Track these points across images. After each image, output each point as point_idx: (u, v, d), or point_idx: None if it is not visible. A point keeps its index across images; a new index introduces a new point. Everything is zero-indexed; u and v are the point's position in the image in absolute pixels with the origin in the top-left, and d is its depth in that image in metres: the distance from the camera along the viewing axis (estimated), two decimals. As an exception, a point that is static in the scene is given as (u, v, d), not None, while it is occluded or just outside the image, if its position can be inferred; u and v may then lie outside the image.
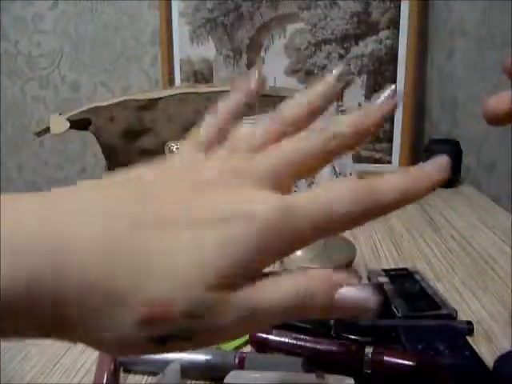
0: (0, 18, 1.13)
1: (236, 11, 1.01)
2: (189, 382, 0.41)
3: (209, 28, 1.03)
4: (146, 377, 0.42)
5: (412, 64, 0.98)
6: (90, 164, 1.22)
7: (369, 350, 0.39)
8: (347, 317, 0.38)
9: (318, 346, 0.41)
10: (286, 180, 0.22)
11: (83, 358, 0.45)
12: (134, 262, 0.18)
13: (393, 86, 0.23)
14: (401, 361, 0.38)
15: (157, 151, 0.72)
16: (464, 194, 0.94)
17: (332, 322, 0.45)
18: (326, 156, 0.22)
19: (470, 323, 0.46)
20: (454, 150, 0.97)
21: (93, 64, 1.14)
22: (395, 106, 0.22)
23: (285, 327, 0.45)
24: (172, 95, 0.75)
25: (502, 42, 1.01)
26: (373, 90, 1.00)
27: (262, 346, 0.43)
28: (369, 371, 0.39)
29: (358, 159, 1.03)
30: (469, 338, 0.45)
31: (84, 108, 0.73)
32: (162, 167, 0.23)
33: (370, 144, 1.03)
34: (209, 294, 0.18)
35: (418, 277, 0.55)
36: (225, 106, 0.25)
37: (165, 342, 0.18)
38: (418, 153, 1.08)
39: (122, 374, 0.43)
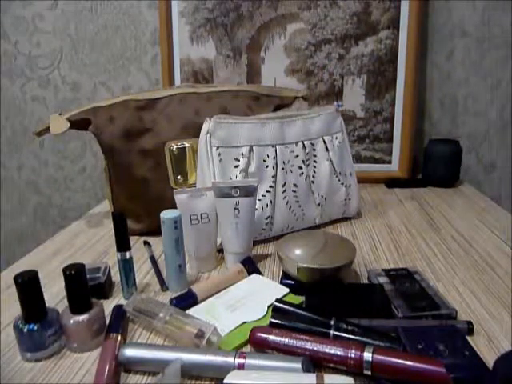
0: (0, 18, 1.13)
1: (236, 11, 1.01)
2: (189, 382, 0.41)
3: (209, 28, 1.03)
4: (146, 377, 0.42)
5: (412, 64, 0.98)
6: (90, 164, 1.22)
7: (369, 349, 0.39)
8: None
9: (318, 346, 0.41)
10: None
11: (83, 358, 0.45)
12: None
13: None
14: (401, 361, 0.38)
15: (157, 151, 0.72)
16: (464, 194, 0.94)
17: (332, 321, 0.45)
18: None
19: (470, 323, 0.46)
20: (453, 149, 0.98)
21: (93, 64, 1.14)
22: None
23: (285, 327, 0.45)
24: (172, 95, 0.75)
25: (502, 42, 1.01)
26: (373, 89, 1.01)
27: (262, 346, 0.43)
28: (369, 371, 0.39)
29: (358, 159, 1.03)
30: (469, 338, 0.45)
31: (84, 108, 0.72)
32: None
33: (369, 144, 1.03)
34: None
35: (417, 277, 0.55)
36: None
37: None
38: (417, 153, 1.08)
39: (122, 374, 0.43)
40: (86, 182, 1.24)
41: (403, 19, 0.97)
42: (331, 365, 0.41)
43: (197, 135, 0.69)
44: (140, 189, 0.72)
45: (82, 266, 0.45)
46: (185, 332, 0.45)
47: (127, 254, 0.55)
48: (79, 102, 1.17)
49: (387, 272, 0.57)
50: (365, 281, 0.58)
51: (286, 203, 0.71)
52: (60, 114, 0.71)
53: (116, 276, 0.60)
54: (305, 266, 0.53)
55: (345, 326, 0.44)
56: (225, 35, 1.03)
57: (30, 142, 1.21)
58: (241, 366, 0.40)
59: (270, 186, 0.69)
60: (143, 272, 0.63)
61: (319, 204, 0.74)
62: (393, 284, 0.54)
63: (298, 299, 0.53)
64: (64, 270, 0.44)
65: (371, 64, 1.00)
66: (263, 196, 0.69)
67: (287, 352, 0.42)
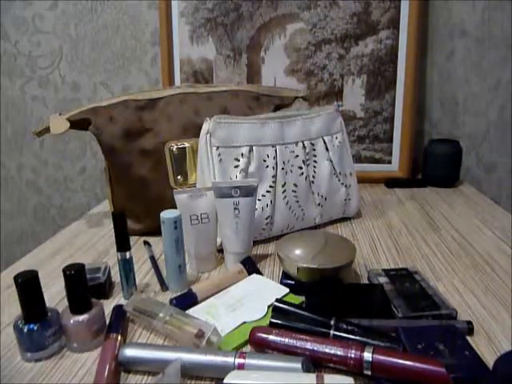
0: (0, 18, 1.13)
1: (236, 11, 1.01)
2: (189, 382, 0.41)
3: (209, 28, 1.03)
4: (146, 377, 0.42)
5: (412, 64, 0.98)
6: (90, 164, 1.22)
7: (369, 349, 0.39)
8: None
9: (318, 346, 0.41)
10: None
11: (83, 358, 0.45)
12: None
13: None
14: (401, 361, 0.38)
15: (157, 151, 0.72)
16: (464, 194, 0.94)
17: (332, 321, 0.45)
18: None
19: (470, 323, 0.46)
20: (453, 149, 0.97)
21: (93, 64, 1.14)
22: None
23: (285, 327, 0.45)
24: (172, 95, 0.75)
25: (502, 42, 1.01)
26: (373, 90, 1.00)
27: (262, 346, 0.43)
28: (369, 371, 0.39)
29: (358, 159, 1.03)
30: (469, 338, 0.45)
31: (84, 108, 0.72)
32: None
33: (370, 144, 1.03)
34: None
35: (417, 277, 0.55)
36: None
37: None
38: (417, 153, 1.08)
39: (122, 374, 0.43)
40: (85, 182, 1.24)
41: (403, 19, 0.97)
42: (331, 365, 0.41)
43: (197, 135, 0.69)
44: (140, 189, 0.72)
45: (82, 266, 0.45)
46: (185, 332, 0.45)
47: (127, 254, 0.55)
48: (79, 102, 1.17)
49: (387, 272, 0.57)
50: (365, 281, 0.58)
51: (286, 203, 0.71)
52: (60, 114, 0.71)
53: (116, 276, 0.60)
54: (305, 266, 0.53)
55: (345, 326, 0.44)
56: (225, 35, 1.03)
57: (30, 141, 1.21)
58: (241, 366, 0.40)
59: (270, 186, 0.69)
60: (143, 272, 0.63)
61: (319, 204, 0.74)
62: (393, 284, 0.54)
63: (298, 299, 0.53)
64: (64, 270, 0.44)
65: (371, 64, 1.00)
66: (263, 196, 0.69)
67: (287, 352, 0.42)
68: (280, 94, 0.82)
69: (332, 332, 0.43)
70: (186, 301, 0.52)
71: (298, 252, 0.56)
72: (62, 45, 1.13)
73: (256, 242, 0.71)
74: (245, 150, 0.68)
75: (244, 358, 0.40)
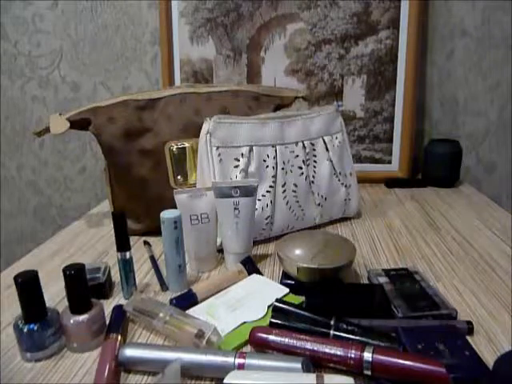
0: (0, 18, 1.13)
1: (236, 11, 1.01)
2: (189, 382, 0.41)
3: (209, 28, 1.03)
4: (146, 377, 0.42)
5: (412, 64, 0.98)
6: (90, 164, 1.22)
7: (369, 349, 0.39)
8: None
9: (318, 346, 0.41)
10: None
11: (83, 358, 0.45)
12: None
13: None
14: (401, 361, 0.38)
15: (157, 151, 0.72)
16: (464, 194, 0.94)
17: (332, 321, 0.45)
18: None
19: (470, 323, 0.46)
20: (453, 149, 0.97)
21: (93, 64, 1.14)
22: None
23: (285, 327, 0.45)
24: (172, 95, 0.75)
25: (502, 42, 1.01)
26: (373, 89, 1.00)
27: (262, 346, 0.43)
28: (369, 371, 0.39)
29: (358, 159, 1.03)
30: (469, 338, 0.45)
31: (84, 108, 0.72)
32: None
33: (369, 144, 1.03)
34: None
35: (417, 277, 0.55)
36: None
37: None
38: (417, 153, 1.08)
39: (122, 374, 0.43)
40: (86, 182, 1.24)
41: (403, 19, 0.97)
42: (331, 365, 0.41)
43: (197, 135, 0.69)
44: (140, 189, 0.72)
45: (82, 266, 0.45)
46: (185, 332, 0.45)
47: (127, 254, 0.55)
48: (79, 102, 1.17)
49: (387, 272, 0.57)
50: (365, 281, 0.58)
51: (286, 203, 0.71)
52: (60, 114, 0.71)
53: (116, 276, 0.60)
54: (305, 266, 0.53)
55: (345, 326, 0.44)
56: (225, 35, 1.03)
57: (30, 141, 1.21)
58: (241, 366, 0.40)
59: (270, 186, 0.69)
60: (143, 272, 0.63)
61: (319, 204, 0.74)
62: (393, 284, 0.54)
63: (298, 299, 0.53)
64: (64, 270, 0.44)
65: (371, 64, 1.00)
66: (263, 196, 0.69)
67: (287, 352, 0.42)
68: (280, 94, 0.82)
69: (332, 332, 0.43)
70: (186, 301, 0.52)
71: (298, 252, 0.56)
72: (62, 45, 1.13)
73: (256, 242, 0.71)
74: (245, 150, 0.68)
75: (244, 357, 0.40)
